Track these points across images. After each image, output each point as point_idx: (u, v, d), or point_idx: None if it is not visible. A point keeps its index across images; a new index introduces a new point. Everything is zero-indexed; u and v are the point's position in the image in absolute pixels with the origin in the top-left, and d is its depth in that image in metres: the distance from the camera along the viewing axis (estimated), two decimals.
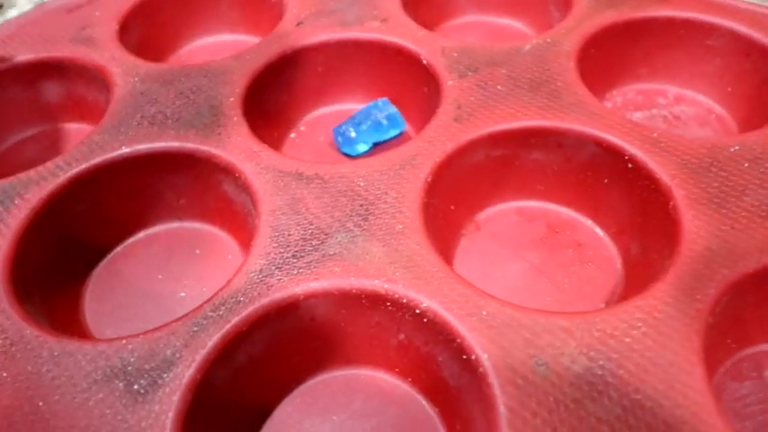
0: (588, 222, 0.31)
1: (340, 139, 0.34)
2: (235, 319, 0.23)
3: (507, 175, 0.31)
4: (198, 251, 0.31)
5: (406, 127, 0.35)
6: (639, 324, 0.22)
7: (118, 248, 0.31)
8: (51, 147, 0.37)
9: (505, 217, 0.31)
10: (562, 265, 0.29)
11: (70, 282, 0.29)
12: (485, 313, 0.22)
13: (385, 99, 0.35)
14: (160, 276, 0.30)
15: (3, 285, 0.25)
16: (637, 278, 0.27)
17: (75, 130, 0.38)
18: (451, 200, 0.30)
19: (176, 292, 0.29)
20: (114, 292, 0.29)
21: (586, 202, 0.31)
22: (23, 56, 0.37)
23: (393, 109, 0.34)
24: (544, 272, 0.29)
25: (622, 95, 0.37)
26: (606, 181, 0.29)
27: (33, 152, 0.37)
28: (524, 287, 0.28)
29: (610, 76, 0.37)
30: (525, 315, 0.22)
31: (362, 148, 0.34)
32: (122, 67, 0.35)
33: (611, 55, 0.36)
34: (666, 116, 0.36)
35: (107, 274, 0.30)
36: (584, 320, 0.22)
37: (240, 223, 0.30)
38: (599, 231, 0.30)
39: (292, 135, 0.36)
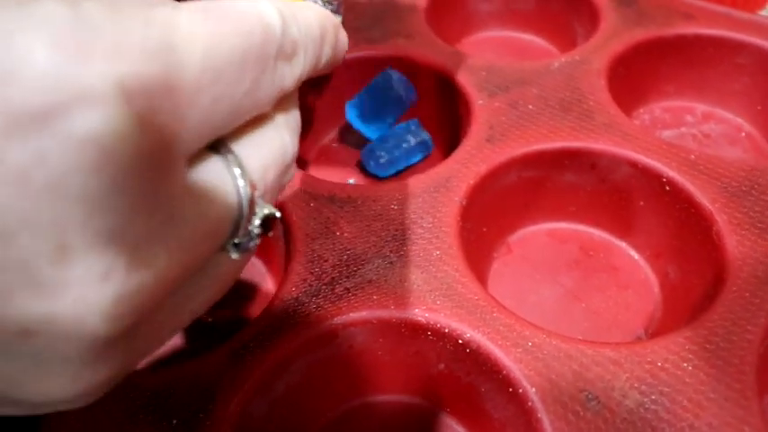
0: (622, 245, 0.30)
1: (372, 163, 0.33)
2: (274, 350, 0.22)
3: (538, 197, 0.31)
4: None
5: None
6: (690, 356, 0.21)
7: None
8: None
9: (537, 239, 0.31)
10: (597, 289, 0.29)
11: None
12: (530, 344, 0.22)
13: (416, 121, 0.34)
14: None
15: None
16: (676, 303, 0.27)
17: None
18: (484, 222, 0.29)
19: (206, 317, 0.29)
20: None
21: (620, 224, 0.30)
22: None
23: (426, 135, 0.34)
24: (579, 297, 0.28)
25: (649, 113, 0.37)
26: (641, 203, 0.29)
27: None
28: (560, 313, 0.28)
29: (637, 94, 0.36)
30: (572, 346, 0.22)
31: (392, 170, 0.34)
32: None
33: (638, 72, 0.36)
34: (696, 134, 0.35)
35: None
36: (633, 352, 0.21)
37: (267, 245, 0.30)
38: (634, 254, 0.30)
39: (315, 154, 0.36)
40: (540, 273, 0.29)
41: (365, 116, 0.33)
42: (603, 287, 0.29)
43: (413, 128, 0.34)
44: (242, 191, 0.12)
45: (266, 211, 0.13)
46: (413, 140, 0.33)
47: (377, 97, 0.33)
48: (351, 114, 0.34)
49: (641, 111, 0.37)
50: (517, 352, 0.22)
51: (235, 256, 0.13)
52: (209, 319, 0.29)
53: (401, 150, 0.33)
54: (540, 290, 0.29)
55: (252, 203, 0.13)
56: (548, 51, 0.42)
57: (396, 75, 0.33)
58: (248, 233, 0.13)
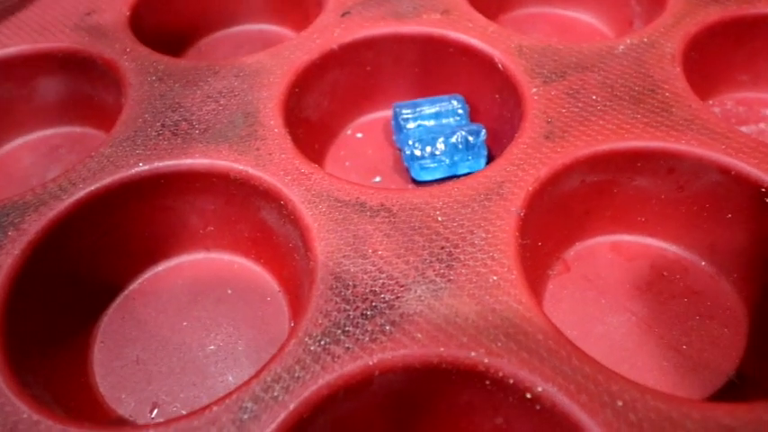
0: (702, 264, 0.25)
1: (417, 166, 0.28)
2: (294, 403, 0.18)
3: (602, 205, 0.26)
4: (230, 290, 0.26)
5: None
6: None
7: (133, 285, 0.26)
8: (50, 154, 0.32)
9: (599, 254, 0.26)
10: (676, 318, 0.24)
11: (76, 330, 0.24)
12: (620, 404, 0.17)
13: (481, 126, 0.29)
14: (185, 323, 0.25)
15: None
16: None
17: (78, 134, 0.32)
18: (539, 235, 0.24)
19: (205, 344, 0.24)
20: (129, 343, 0.24)
21: (701, 239, 0.25)
22: (17, 46, 0.31)
23: (482, 138, 0.28)
24: (655, 328, 0.24)
25: (720, 106, 0.32)
26: (729, 216, 0.24)
27: (29, 161, 0.31)
28: (634, 348, 0.23)
29: (708, 84, 0.31)
30: (673, 407, 0.17)
31: (432, 176, 0.28)
32: (137, 63, 0.29)
33: (711, 59, 0.31)
34: None
35: (120, 319, 0.25)
36: (754, 417, 0.17)
37: (282, 258, 0.25)
38: (717, 277, 0.25)
39: (336, 146, 0.31)
40: (606, 296, 0.25)
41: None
42: (684, 316, 0.24)
43: (474, 128, 0.28)
44: None
45: None
46: (468, 152, 0.28)
47: (441, 133, 0.28)
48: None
49: (711, 102, 0.32)
50: (605, 414, 0.17)
51: None
52: (212, 347, 0.24)
53: (451, 161, 0.28)
54: (607, 318, 0.24)
55: None
56: (597, 30, 0.37)
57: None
58: None
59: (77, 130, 0.32)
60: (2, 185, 0.30)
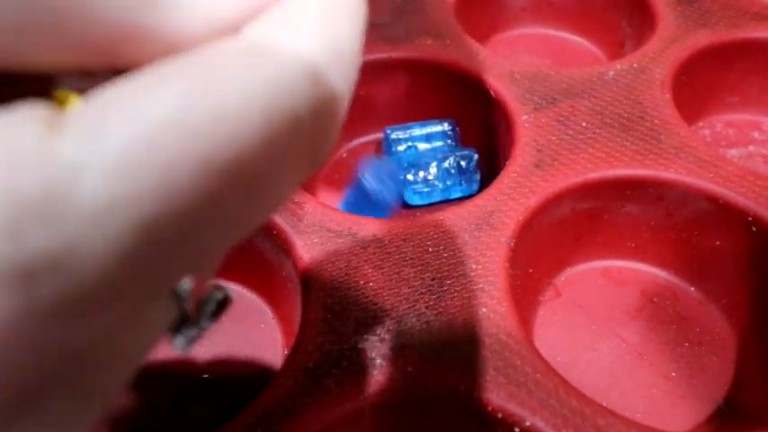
0: (691, 290, 0.26)
1: (410, 191, 0.28)
2: None
3: (593, 231, 0.26)
4: (223, 318, 0.26)
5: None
6: None
7: None
8: None
9: (590, 280, 0.26)
10: (666, 344, 0.24)
11: None
12: None
13: (473, 150, 0.29)
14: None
15: None
16: (761, 365, 0.23)
17: None
18: (530, 262, 0.25)
19: (199, 372, 0.24)
20: None
21: (689, 265, 0.26)
22: None
23: (474, 163, 0.28)
24: (644, 354, 0.24)
25: (710, 128, 0.32)
26: (718, 243, 0.25)
27: None
28: (622, 375, 0.23)
29: (697, 106, 0.32)
30: None
31: (425, 200, 0.29)
32: None
33: (700, 81, 0.31)
34: (767, 156, 0.31)
35: None
36: None
37: (275, 287, 0.25)
38: (706, 303, 0.25)
39: (329, 170, 0.31)
40: (596, 322, 0.25)
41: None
42: (673, 343, 0.24)
43: (466, 152, 0.28)
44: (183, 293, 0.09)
45: (218, 297, 0.10)
46: (462, 175, 0.28)
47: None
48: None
49: (701, 125, 0.32)
50: None
51: (180, 347, 0.10)
52: (206, 375, 0.24)
53: (445, 186, 0.28)
54: (597, 344, 0.24)
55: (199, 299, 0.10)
56: (589, 52, 0.37)
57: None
58: (198, 325, 0.10)
59: None
60: None
